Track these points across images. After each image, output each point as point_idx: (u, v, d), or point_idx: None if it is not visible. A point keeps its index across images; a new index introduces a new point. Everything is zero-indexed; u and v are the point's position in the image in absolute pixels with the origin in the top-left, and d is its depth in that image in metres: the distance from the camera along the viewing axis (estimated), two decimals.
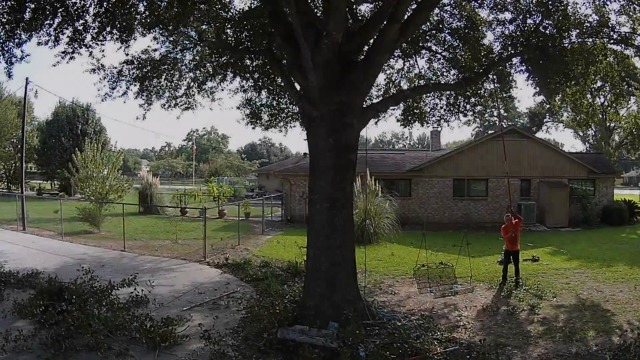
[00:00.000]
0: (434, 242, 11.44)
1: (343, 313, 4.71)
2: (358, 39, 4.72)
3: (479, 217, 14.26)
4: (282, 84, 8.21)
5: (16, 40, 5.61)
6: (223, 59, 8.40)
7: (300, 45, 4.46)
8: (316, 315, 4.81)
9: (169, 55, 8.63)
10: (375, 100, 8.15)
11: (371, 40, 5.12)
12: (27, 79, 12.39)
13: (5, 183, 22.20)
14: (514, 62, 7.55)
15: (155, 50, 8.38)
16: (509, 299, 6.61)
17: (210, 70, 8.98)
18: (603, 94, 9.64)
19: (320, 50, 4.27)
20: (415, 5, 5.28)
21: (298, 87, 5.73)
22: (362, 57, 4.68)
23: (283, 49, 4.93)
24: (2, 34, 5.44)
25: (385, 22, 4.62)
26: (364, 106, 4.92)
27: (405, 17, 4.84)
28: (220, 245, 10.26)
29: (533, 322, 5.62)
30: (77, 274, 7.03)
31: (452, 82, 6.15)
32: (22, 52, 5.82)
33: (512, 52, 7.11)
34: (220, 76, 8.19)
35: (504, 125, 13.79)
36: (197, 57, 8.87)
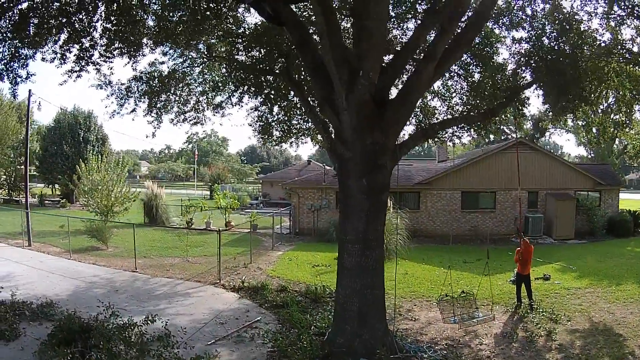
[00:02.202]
0: (445, 258, 11.49)
1: (375, 352, 4.69)
2: (390, 74, 4.64)
3: (487, 229, 14.33)
4: (299, 103, 8.10)
5: (21, 61, 5.47)
6: (237, 73, 8.32)
7: (334, 83, 4.36)
8: (347, 353, 4.79)
9: (177, 70, 8.54)
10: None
11: (400, 73, 5.05)
12: (29, 91, 12.12)
13: (6, 190, 21.80)
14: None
15: (162, 63, 8.26)
16: (526, 324, 6.69)
17: (220, 86, 8.91)
18: (614, 111, 9.76)
19: (355, 90, 4.19)
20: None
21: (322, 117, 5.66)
22: (397, 95, 4.60)
23: (312, 82, 4.82)
24: (6, 53, 5.30)
25: (420, 60, 4.55)
26: (396, 144, 4.85)
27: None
28: (232, 263, 10.15)
29: (551, 349, 5.69)
30: (92, 302, 6.94)
31: (476, 114, 6.14)
32: (27, 72, 5.68)
33: (532, 78, 7.13)
34: (236, 98, 8.06)
35: (514, 137, 13.81)
36: (206, 73, 8.77)
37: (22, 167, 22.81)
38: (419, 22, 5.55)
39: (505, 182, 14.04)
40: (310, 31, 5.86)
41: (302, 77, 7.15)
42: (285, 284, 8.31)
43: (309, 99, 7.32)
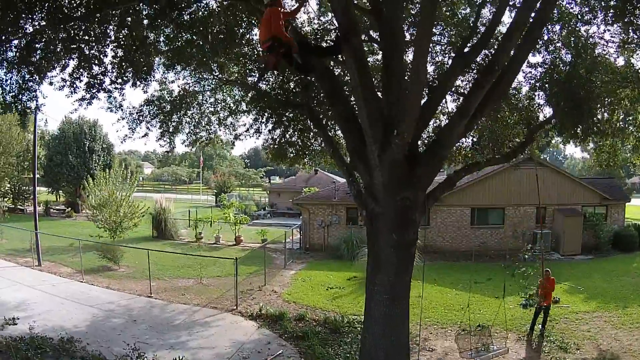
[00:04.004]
0: (456, 278, 11.58)
1: None
2: (419, 127, 4.63)
3: (496, 244, 14.44)
4: (323, 141, 8.02)
5: (31, 93, 5.43)
6: (251, 98, 8.32)
7: (366, 140, 4.36)
8: None
9: (188, 89, 8.54)
10: None
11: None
12: (36, 109, 11.90)
13: (11, 199, 21.65)
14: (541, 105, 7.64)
15: (172, 81, 8.20)
16: (539, 354, 6.85)
17: (234, 107, 8.95)
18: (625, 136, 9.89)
19: (389, 150, 4.18)
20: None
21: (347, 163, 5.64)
22: (427, 149, 4.60)
23: (343, 133, 4.81)
24: (14, 85, 5.27)
25: (452, 116, 4.55)
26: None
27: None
28: (247, 286, 10.17)
29: None
30: (112, 335, 6.96)
31: (500, 156, 6.17)
32: (36, 103, 5.65)
33: (551, 113, 7.19)
34: (254, 129, 8.03)
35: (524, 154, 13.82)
36: (218, 93, 8.78)
37: (26, 173, 22.72)
38: (448, 66, 5.53)
39: (514, 198, 14.12)
40: (334, 69, 5.84)
41: (323, 109, 7.11)
42: (303, 312, 8.35)
43: (329, 125, 7.31)
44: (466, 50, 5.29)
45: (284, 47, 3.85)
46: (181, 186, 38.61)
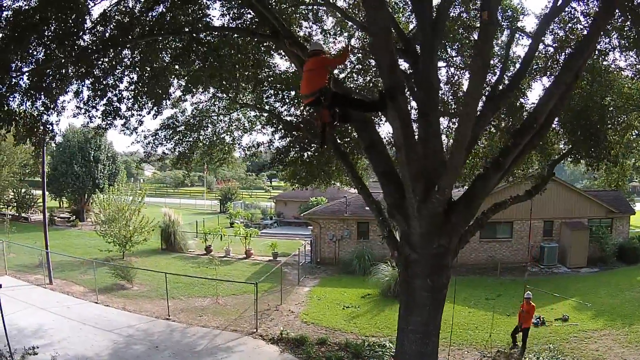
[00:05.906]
0: (467, 294, 11.70)
1: None
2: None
3: (504, 258, 14.64)
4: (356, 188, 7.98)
5: (47, 126, 5.44)
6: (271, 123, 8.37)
7: (406, 193, 4.41)
8: None
9: (202, 110, 8.58)
10: None
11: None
12: (51, 137, 11.79)
13: (15, 207, 21.43)
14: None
15: (185, 100, 8.21)
16: None
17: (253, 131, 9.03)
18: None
19: (429, 203, 4.24)
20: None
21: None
22: (462, 199, 4.65)
23: (381, 186, 4.82)
24: (29, 119, 5.26)
25: (487, 168, 4.63)
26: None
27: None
28: (264, 305, 10.18)
29: None
30: None
31: (523, 195, 6.29)
32: (53, 134, 5.68)
33: (567, 141, 7.31)
34: (277, 161, 8.05)
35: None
36: (232, 112, 8.85)
37: (28, 177, 22.40)
38: (479, 112, 5.58)
39: (522, 213, 14.27)
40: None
41: (349, 143, 7.14)
42: (324, 336, 8.43)
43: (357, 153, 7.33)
44: (497, 93, 5.37)
45: (328, 100, 3.76)
46: (183, 189, 38.43)
